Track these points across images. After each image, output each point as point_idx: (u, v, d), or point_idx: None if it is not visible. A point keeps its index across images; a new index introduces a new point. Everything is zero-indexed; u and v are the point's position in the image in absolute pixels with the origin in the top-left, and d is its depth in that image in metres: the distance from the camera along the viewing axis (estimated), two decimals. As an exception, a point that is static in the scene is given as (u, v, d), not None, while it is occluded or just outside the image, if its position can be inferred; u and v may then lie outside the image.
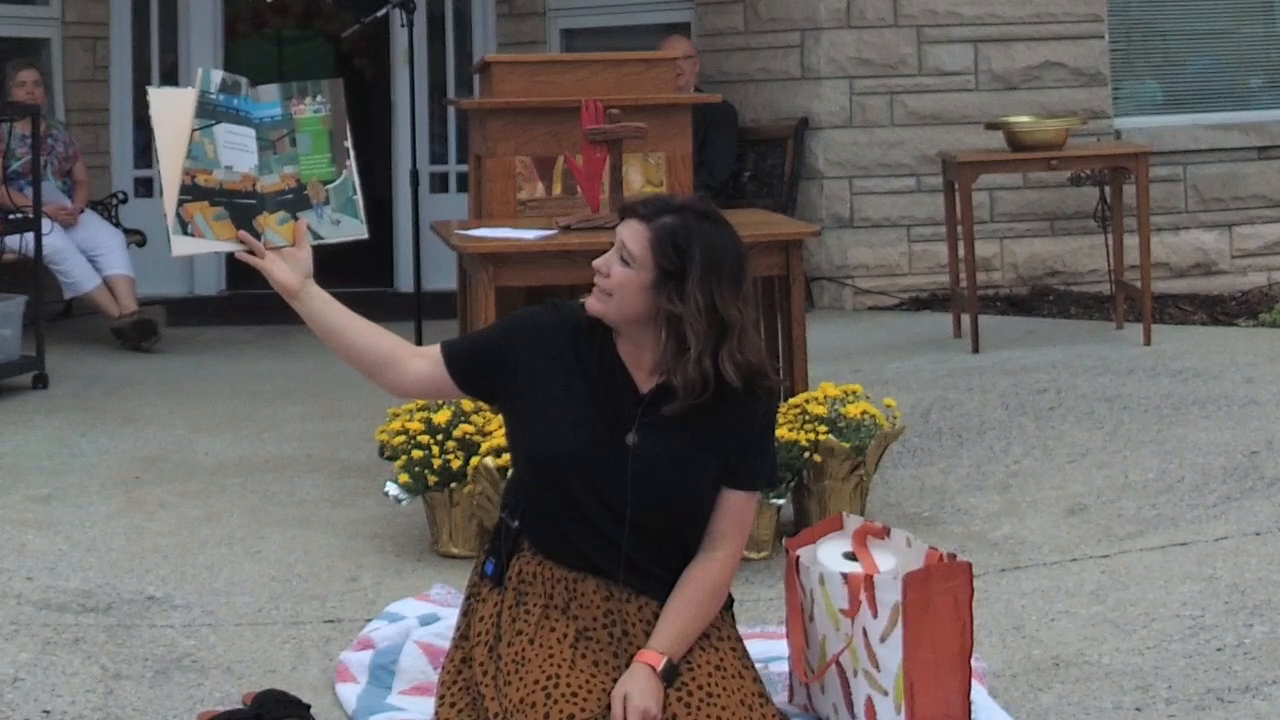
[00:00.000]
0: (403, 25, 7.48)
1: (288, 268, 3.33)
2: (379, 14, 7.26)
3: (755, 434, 3.28)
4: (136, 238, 8.35)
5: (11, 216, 7.09)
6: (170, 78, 9.41)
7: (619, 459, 3.21)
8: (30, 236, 6.95)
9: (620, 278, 3.21)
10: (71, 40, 8.95)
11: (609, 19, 9.13)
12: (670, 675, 3.17)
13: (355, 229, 3.43)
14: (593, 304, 3.25)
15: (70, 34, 8.94)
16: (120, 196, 8.71)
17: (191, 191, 3.30)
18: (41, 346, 6.88)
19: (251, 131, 3.34)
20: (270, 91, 3.38)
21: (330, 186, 3.39)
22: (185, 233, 3.30)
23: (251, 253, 3.34)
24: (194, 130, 3.29)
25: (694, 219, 3.21)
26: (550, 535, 3.28)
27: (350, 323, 3.34)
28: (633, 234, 3.21)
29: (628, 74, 5.70)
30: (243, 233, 3.32)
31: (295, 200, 3.37)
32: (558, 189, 5.57)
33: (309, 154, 3.38)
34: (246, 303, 8.86)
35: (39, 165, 7.23)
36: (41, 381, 6.84)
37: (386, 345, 3.34)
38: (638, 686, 3.13)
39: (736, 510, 3.29)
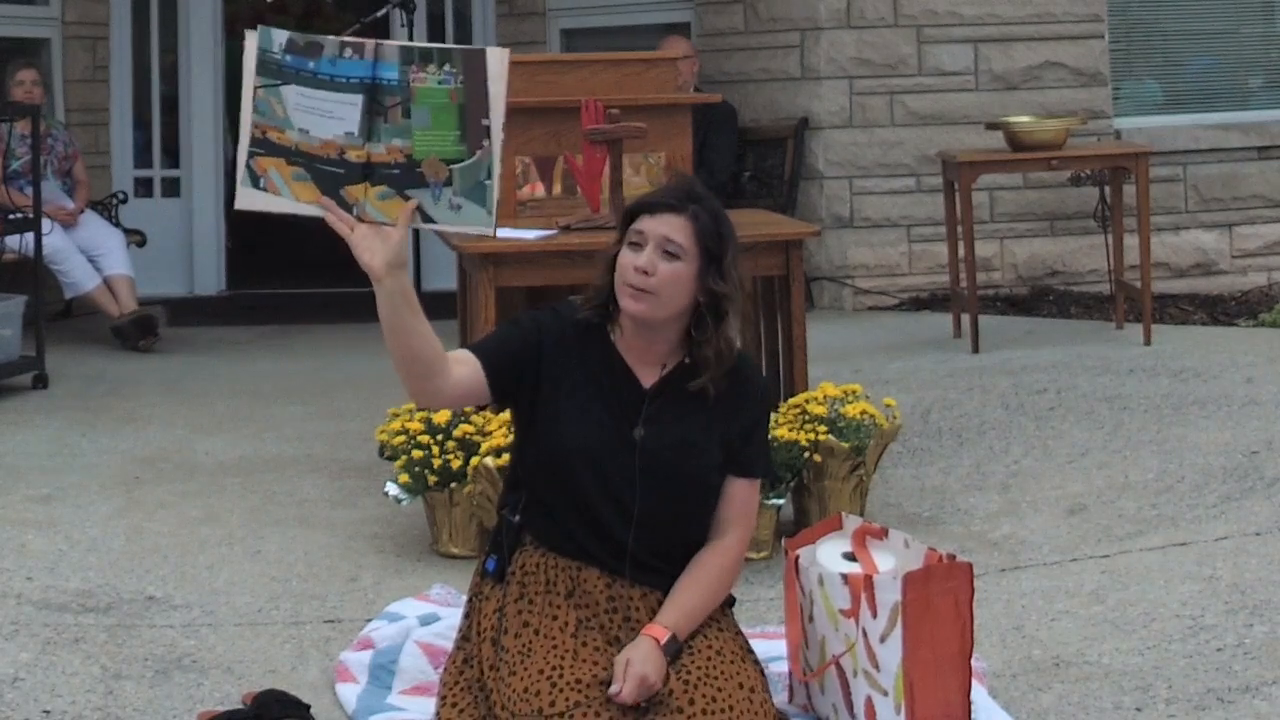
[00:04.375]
0: (403, 25, 7.48)
1: (378, 247, 3.03)
2: (379, 14, 7.26)
3: (754, 418, 3.36)
4: (136, 238, 8.34)
5: (11, 216, 7.09)
6: (170, 78, 9.43)
7: (628, 453, 3.26)
8: (30, 236, 6.95)
9: (670, 272, 3.22)
10: (71, 40, 8.95)
11: (609, 19, 9.13)
12: (674, 651, 3.19)
13: (480, 219, 3.03)
14: (632, 305, 3.24)
15: (70, 34, 8.94)
16: (120, 196, 8.70)
17: (263, 145, 3.01)
18: (41, 346, 6.87)
19: (339, 96, 2.99)
20: (392, 51, 3.01)
21: (457, 167, 3.02)
22: (258, 186, 3.03)
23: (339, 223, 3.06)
24: (256, 86, 3.02)
25: (709, 200, 3.29)
26: (554, 529, 3.30)
27: (420, 326, 3.12)
28: (674, 227, 3.23)
29: (628, 74, 5.69)
30: (326, 199, 3.02)
31: (403, 176, 3.02)
32: (558, 189, 5.56)
33: (426, 129, 3.00)
34: (246, 303, 8.87)
35: (39, 165, 7.23)
36: (41, 381, 6.84)
37: (440, 354, 3.17)
38: (639, 654, 3.15)
39: (741, 498, 3.35)
